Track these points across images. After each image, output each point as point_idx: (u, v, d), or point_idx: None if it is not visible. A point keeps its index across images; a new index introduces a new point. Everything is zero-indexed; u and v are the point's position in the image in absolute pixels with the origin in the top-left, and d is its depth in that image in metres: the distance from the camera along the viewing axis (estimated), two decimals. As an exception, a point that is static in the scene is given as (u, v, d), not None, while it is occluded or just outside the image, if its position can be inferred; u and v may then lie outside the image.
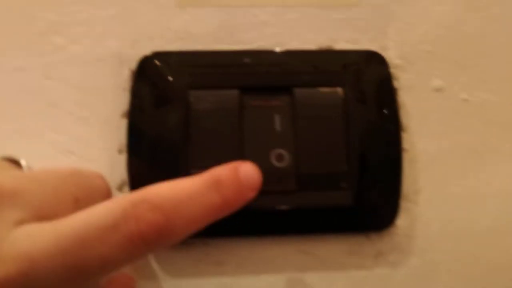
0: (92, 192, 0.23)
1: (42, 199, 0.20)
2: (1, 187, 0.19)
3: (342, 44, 0.29)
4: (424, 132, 0.28)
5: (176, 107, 0.26)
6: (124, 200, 0.19)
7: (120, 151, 0.27)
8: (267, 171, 0.26)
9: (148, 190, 0.20)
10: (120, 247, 0.18)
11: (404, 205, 0.27)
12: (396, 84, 0.28)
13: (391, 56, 0.28)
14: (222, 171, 0.22)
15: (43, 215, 0.19)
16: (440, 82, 0.29)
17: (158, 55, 0.27)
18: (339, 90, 0.27)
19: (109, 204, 0.19)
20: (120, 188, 0.26)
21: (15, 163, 0.23)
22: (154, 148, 0.26)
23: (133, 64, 0.27)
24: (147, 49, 0.27)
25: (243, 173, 0.23)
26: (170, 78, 0.27)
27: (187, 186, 0.21)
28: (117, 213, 0.18)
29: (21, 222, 0.18)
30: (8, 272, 0.17)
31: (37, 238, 0.18)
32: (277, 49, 0.28)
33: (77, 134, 0.27)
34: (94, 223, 0.18)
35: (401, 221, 0.27)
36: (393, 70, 0.28)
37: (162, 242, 0.19)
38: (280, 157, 0.26)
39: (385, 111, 0.28)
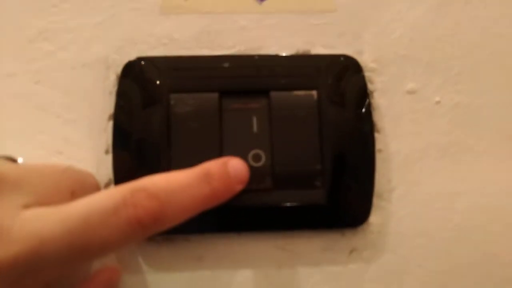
0: (85, 187, 0.25)
1: (43, 189, 0.22)
2: (6, 176, 0.20)
3: (319, 48, 0.30)
4: (398, 133, 0.29)
5: (158, 110, 0.28)
6: (123, 188, 0.21)
7: (106, 152, 0.28)
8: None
9: (145, 180, 0.22)
10: (119, 230, 0.20)
11: (377, 203, 0.29)
12: (370, 87, 0.29)
13: (366, 59, 0.29)
14: (212, 165, 0.24)
15: (44, 204, 0.21)
16: (413, 84, 0.30)
17: (141, 60, 0.29)
18: (314, 93, 0.28)
19: (110, 192, 0.21)
20: (106, 186, 0.28)
21: (13, 161, 0.25)
22: (138, 148, 0.28)
23: (118, 69, 0.29)
24: (132, 55, 0.29)
25: (232, 167, 0.25)
26: (153, 82, 0.28)
27: (180, 177, 0.23)
28: (118, 200, 0.20)
29: (27, 206, 0.20)
30: (20, 250, 0.19)
31: (45, 220, 0.20)
32: (256, 54, 0.29)
33: (66, 135, 0.28)
34: (97, 208, 0.20)
35: (375, 218, 0.29)
36: (368, 74, 0.29)
37: (157, 227, 0.21)
38: (257, 157, 0.28)
39: (359, 113, 0.29)
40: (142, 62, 0.29)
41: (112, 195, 0.21)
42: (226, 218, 0.27)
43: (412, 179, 0.29)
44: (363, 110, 0.29)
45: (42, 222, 0.19)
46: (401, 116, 0.29)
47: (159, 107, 0.28)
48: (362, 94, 0.29)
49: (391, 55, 0.30)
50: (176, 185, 0.22)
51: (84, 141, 0.28)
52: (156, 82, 0.28)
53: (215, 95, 0.28)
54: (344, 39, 0.30)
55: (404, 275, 0.28)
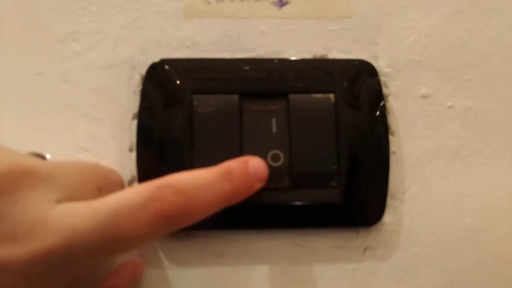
0: (111, 184, 0.26)
1: (72, 184, 0.23)
2: (39, 171, 0.21)
3: (335, 53, 0.31)
4: (411, 135, 0.30)
5: (181, 110, 0.29)
6: (151, 184, 0.22)
7: (130, 150, 0.29)
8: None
9: (171, 177, 0.23)
10: (147, 224, 0.21)
11: (391, 203, 0.30)
12: (385, 91, 0.30)
13: (381, 65, 0.31)
14: (233, 164, 0.25)
15: (74, 199, 0.22)
16: (426, 89, 0.31)
17: (165, 61, 0.30)
18: (331, 96, 0.29)
19: (138, 188, 0.22)
20: (130, 183, 0.29)
21: (41, 158, 0.26)
22: (161, 147, 0.29)
23: (143, 70, 0.30)
24: (155, 56, 0.30)
25: (252, 166, 0.26)
26: (176, 83, 0.29)
27: (204, 175, 0.24)
28: (145, 195, 0.21)
29: (59, 201, 0.21)
30: (55, 242, 0.20)
31: (78, 214, 0.21)
32: (275, 57, 0.30)
33: (91, 133, 0.29)
34: (125, 203, 0.21)
35: (388, 218, 0.30)
36: (382, 78, 0.30)
37: (181, 221, 0.22)
38: (276, 157, 0.29)
39: (374, 116, 0.30)
40: (166, 64, 0.30)
41: (140, 191, 0.22)
42: (245, 215, 0.29)
43: (424, 180, 0.30)
44: (378, 113, 0.30)
45: (75, 216, 0.20)
46: (415, 119, 0.30)
47: (182, 107, 0.29)
48: (377, 98, 0.30)
49: (405, 61, 0.31)
50: (200, 182, 0.23)
51: (109, 139, 0.29)
52: (179, 83, 0.29)
53: (235, 97, 0.29)
54: (359, 45, 0.31)
55: (415, 273, 0.29)
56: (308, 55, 0.31)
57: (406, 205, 0.30)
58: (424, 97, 0.31)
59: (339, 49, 0.31)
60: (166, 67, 0.30)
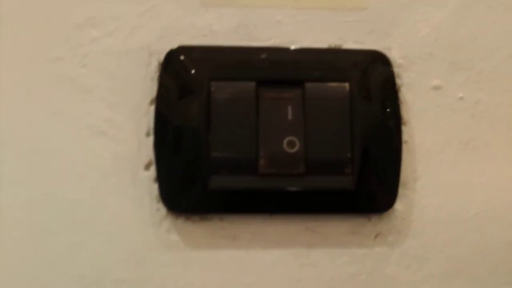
0: None
1: None
2: None
3: (350, 44, 0.31)
4: (423, 126, 0.31)
5: (198, 96, 0.29)
6: None
7: (147, 134, 0.30)
8: (280, 156, 0.29)
9: None
10: None
11: (402, 191, 0.30)
12: (398, 81, 0.31)
13: (394, 56, 0.31)
14: None
15: None
16: (438, 81, 0.31)
17: (183, 49, 0.30)
18: (346, 85, 0.30)
19: None
20: (147, 167, 0.29)
21: None
22: (178, 131, 0.29)
23: (160, 57, 0.30)
24: (173, 43, 0.30)
25: None
26: (193, 70, 0.30)
27: None
28: None
29: None
30: None
31: None
32: (291, 46, 0.31)
33: (109, 117, 0.30)
34: None
35: (400, 205, 0.30)
36: (396, 69, 0.31)
37: None
38: (291, 144, 0.29)
39: (387, 106, 0.30)
40: (183, 51, 0.30)
41: None
42: (260, 200, 0.29)
43: (435, 170, 0.31)
44: (391, 103, 0.30)
45: None
46: (426, 110, 0.31)
47: (199, 94, 0.29)
48: (391, 88, 0.31)
49: (417, 53, 0.31)
50: None
51: (127, 124, 0.30)
52: (196, 70, 0.30)
53: (252, 84, 0.29)
54: (373, 36, 0.31)
55: (425, 260, 0.30)
56: (323, 45, 0.31)
57: (417, 194, 0.30)
58: (436, 88, 0.31)
59: (353, 40, 0.31)
60: (184, 54, 0.30)
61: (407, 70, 0.31)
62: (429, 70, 0.31)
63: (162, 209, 0.29)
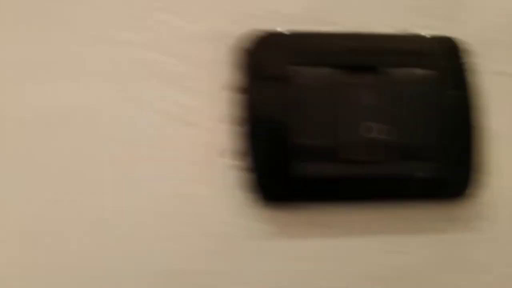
0: None
1: None
2: None
3: (421, 29, 0.31)
4: (502, 112, 0.31)
5: (277, 82, 0.28)
6: None
7: (221, 120, 0.29)
8: (358, 142, 0.28)
9: None
10: None
11: (482, 177, 0.29)
12: (474, 67, 0.31)
13: (469, 42, 0.31)
14: None
15: None
16: (513, 67, 0.31)
17: (257, 32, 0.29)
18: (425, 71, 0.29)
19: None
20: (225, 154, 0.28)
21: None
22: (256, 118, 0.28)
23: (232, 41, 0.29)
24: (245, 28, 0.29)
25: None
26: (269, 54, 0.29)
27: None
28: None
29: None
30: None
31: None
32: (366, 31, 0.30)
33: (182, 102, 0.28)
34: None
35: (480, 191, 0.30)
36: (471, 56, 0.31)
37: None
38: (369, 129, 0.29)
39: (465, 92, 0.30)
40: (258, 35, 0.29)
41: None
42: (345, 188, 0.28)
43: (513, 155, 0.30)
44: (468, 89, 0.30)
45: None
46: (503, 96, 0.31)
47: (278, 80, 0.28)
48: (467, 74, 0.30)
49: (489, 39, 0.31)
50: None
51: (200, 109, 0.29)
52: (272, 55, 0.29)
53: (330, 70, 0.29)
54: (446, 22, 0.31)
55: (506, 245, 0.30)
56: (393, 30, 0.31)
57: (497, 180, 0.30)
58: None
59: (425, 25, 0.31)
60: (259, 38, 0.29)
61: (482, 56, 0.31)
62: (506, 57, 0.31)
63: (253, 198, 0.28)
